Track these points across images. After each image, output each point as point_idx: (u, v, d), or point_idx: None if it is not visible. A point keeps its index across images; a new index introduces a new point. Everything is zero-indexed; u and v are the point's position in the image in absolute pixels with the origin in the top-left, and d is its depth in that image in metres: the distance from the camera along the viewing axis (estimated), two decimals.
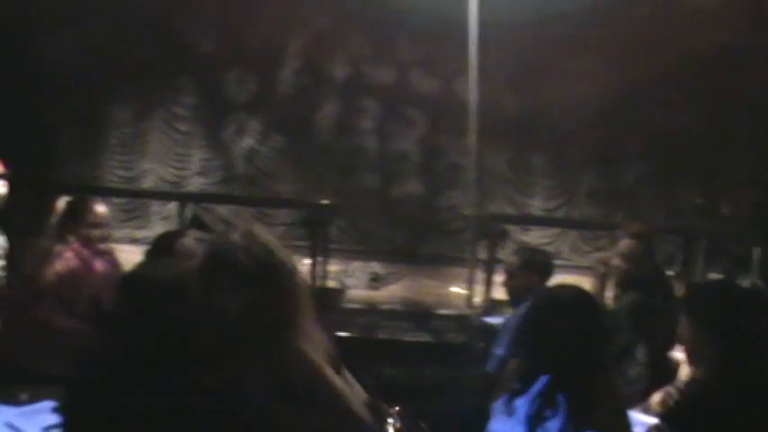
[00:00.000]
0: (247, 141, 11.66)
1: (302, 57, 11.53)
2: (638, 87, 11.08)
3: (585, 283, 4.97)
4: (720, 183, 11.66)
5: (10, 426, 3.00)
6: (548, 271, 4.91)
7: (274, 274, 2.56)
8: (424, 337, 7.36)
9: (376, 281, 8.97)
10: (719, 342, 2.92)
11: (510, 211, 11.54)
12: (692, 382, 3.16)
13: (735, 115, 11.36)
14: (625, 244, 4.93)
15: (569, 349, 2.83)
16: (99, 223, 4.33)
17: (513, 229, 10.02)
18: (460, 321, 7.69)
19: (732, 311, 2.97)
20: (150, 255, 3.70)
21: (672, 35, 10.46)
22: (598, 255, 5.57)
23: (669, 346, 4.07)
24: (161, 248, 3.75)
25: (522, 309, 4.66)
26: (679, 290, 4.86)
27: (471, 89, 9.69)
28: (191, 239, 3.65)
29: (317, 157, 11.46)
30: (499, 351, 4.60)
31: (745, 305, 3.04)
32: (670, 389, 3.47)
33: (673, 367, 3.86)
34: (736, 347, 2.88)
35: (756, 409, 2.71)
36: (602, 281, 5.11)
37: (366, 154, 11.57)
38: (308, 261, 8.32)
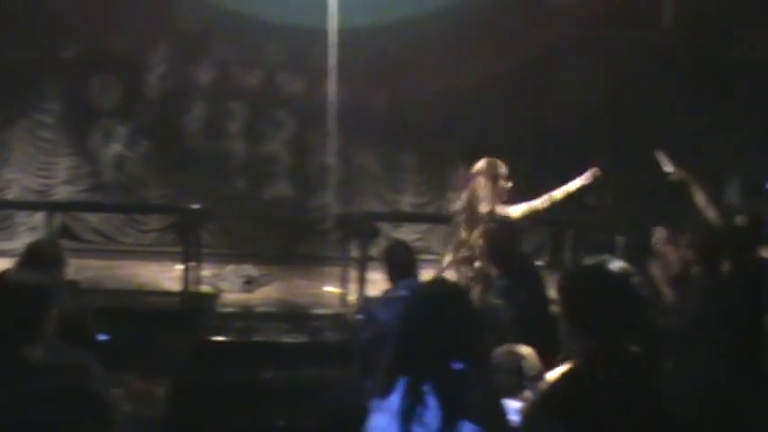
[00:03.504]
0: (115, 148, 11.41)
1: (168, 61, 11.37)
2: (501, 83, 11.31)
3: (454, 276, 5.14)
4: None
5: None
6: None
7: None
8: (300, 338, 7.40)
9: (250, 283, 8.94)
10: (591, 325, 2.93)
11: (381, 208, 11.66)
12: (567, 367, 3.11)
13: (595, 108, 11.77)
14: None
15: (439, 342, 2.86)
16: None
17: (384, 227, 10.15)
18: (336, 320, 7.80)
19: (602, 294, 2.97)
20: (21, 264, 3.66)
21: (529, 28, 10.81)
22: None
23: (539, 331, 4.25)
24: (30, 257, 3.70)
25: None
26: (548, 279, 5.02)
27: (336, 90, 9.85)
28: None
29: (186, 161, 11.31)
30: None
31: (615, 288, 3.02)
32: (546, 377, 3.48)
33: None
34: (607, 331, 2.89)
35: (629, 393, 2.73)
36: (468, 273, 5.27)
37: (235, 157, 11.49)
38: (180, 266, 8.27)
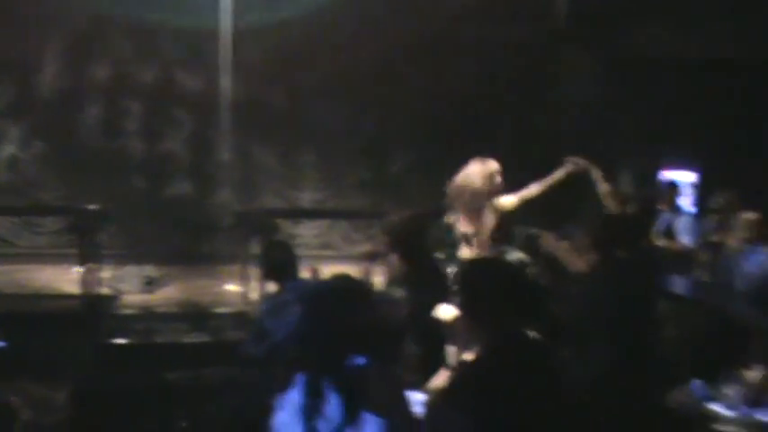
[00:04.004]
0: (8, 149, 11.17)
1: (61, 60, 11.17)
2: (396, 78, 11.49)
3: (356, 271, 5.23)
4: None
5: None
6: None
7: None
8: (202, 338, 7.43)
9: (150, 284, 8.86)
10: (490, 315, 3.02)
11: (281, 205, 11.69)
12: (468, 358, 3.21)
13: (491, 100, 12.04)
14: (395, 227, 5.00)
15: (338, 337, 2.86)
16: None
17: (283, 223, 10.21)
18: (238, 319, 7.82)
19: (499, 285, 3.07)
20: None
21: (421, 24, 10.99)
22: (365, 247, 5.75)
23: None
24: None
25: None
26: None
27: (232, 86, 9.89)
28: None
29: (82, 161, 11.10)
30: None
31: (512, 278, 3.17)
32: (448, 370, 3.56)
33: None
34: (506, 320, 2.99)
35: (529, 380, 2.81)
36: (369, 268, 5.33)
37: (133, 156, 11.35)
38: (78, 269, 8.19)
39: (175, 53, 11.28)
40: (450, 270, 5.02)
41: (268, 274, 5.21)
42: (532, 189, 6.19)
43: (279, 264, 5.08)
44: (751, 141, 11.41)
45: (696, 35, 10.69)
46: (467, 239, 5.60)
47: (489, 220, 5.74)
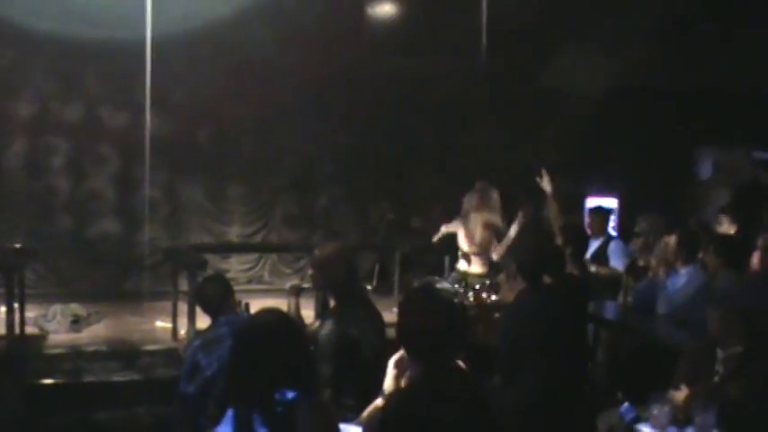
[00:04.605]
0: None
1: None
2: (322, 111, 11.58)
3: (285, 305, 5.24)
4: (409, 198, 12.51)
5: None
6: None
7: None
8: (132, 376, 7.38)
9: (77, 323, 8.74)
10: (422, 346, 3.11)
11: (208, 240, 11.64)
12: (401, 389, 3.29)
13: (417, 131, 12.21)
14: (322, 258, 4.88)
15: (267, 372, 2.89)
16: None
17: (212, 258, 10.21)
18: (168, 355, 7.76)
19: (430, 316, 3.13)
20: None
21: (346, 56, 11.13)
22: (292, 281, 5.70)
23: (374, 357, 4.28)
24: None
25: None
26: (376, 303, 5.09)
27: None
28: None
29: (6, 199, 10.90)
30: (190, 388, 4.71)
31: (442, 309, 3.21)
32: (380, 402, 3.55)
33: None
34: (437, 351, 3.06)
35: (459, 410, 2.69)
36: (297, 301, 5.16)
37: (58, 194, 11.20)
38: (2, 309, 8.05)
39: (100, 88, 11.18)
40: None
41: (203, 309, 5.18)
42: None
43: (213, 298, 5.04)
44: (665, 167, 11.83)
45: (611, 65, 11.03)
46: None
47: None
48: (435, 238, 8.96)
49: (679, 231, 7.07)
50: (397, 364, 3.41)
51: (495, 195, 8.46)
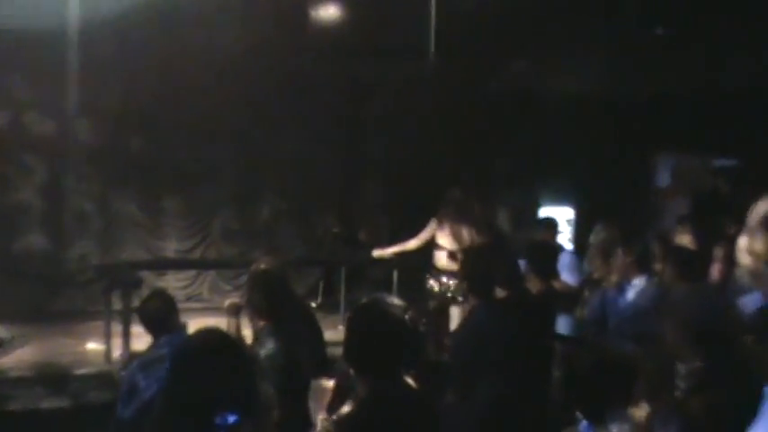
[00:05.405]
0: None
1: None
2: (262, 120, 11.37)
3: (224, 324, 4.99)
4: (355, 210, 12.25)
5: None
6: None
7: None
8: (62, 402, 7.13)
9: (1, 346, 8.29)
10: (370, 364, 3.09)
11: (143, 256, 11.22)
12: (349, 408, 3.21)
13: (364, 140, 12.02)
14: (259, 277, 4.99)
15: (207, 395, 2.77)
16: None
17: (147, 275, 9.78)
18: (101, 379, 7.49)
19: (379, 334, 3.12)
20: None
21: (289, 60, 10.87)
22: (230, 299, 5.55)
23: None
24: None
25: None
26: (321, 320, 5.07)
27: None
28: None
29: None
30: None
31: (391, 326, 3.18)
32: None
33: None
34: (386, 368, 3.06)
35: (409, 428, 2.87)
36: (237, 320, 5.18)
37: None
38: None
39: (26, 94, 10.61)
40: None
41: (145, 327, 5.01)
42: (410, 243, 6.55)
43: (156, 315, 4.90)
44: (623, 176, 11.76)
45: (566, 71, 10.93)
46: None
47: None
48: (415, 245, 8.58)
49: (632, 242, 6.94)
50: (340, 382, 3.48)
51: (474, 205, 8.24)
